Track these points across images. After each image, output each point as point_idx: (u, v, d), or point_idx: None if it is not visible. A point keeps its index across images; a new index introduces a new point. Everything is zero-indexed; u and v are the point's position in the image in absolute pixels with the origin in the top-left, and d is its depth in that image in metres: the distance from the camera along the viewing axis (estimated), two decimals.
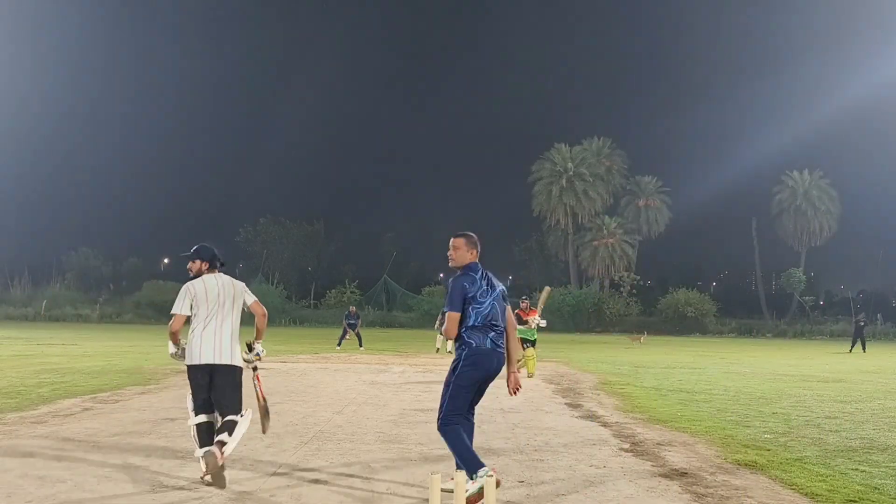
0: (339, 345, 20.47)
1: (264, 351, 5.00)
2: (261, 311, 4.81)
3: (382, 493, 4.32)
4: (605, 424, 7.10)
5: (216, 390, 4.63)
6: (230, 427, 4.54)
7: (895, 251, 62.98)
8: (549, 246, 59.32)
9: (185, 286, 4.74)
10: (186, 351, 4.67)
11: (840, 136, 65.03)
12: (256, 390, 4.97)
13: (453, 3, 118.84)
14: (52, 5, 75.23)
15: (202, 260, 4.83)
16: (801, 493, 4.49)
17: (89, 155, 80.00)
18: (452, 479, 3.42)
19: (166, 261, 73.22)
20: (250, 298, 4.85)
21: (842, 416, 7.94)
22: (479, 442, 6.03)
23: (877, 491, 4.55)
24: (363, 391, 9.57)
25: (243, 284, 4.93)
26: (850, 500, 4.32)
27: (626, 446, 5.94)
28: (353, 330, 20.86)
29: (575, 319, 46.16)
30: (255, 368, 4.94)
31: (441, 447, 5.75)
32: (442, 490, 3.10)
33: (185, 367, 4.70)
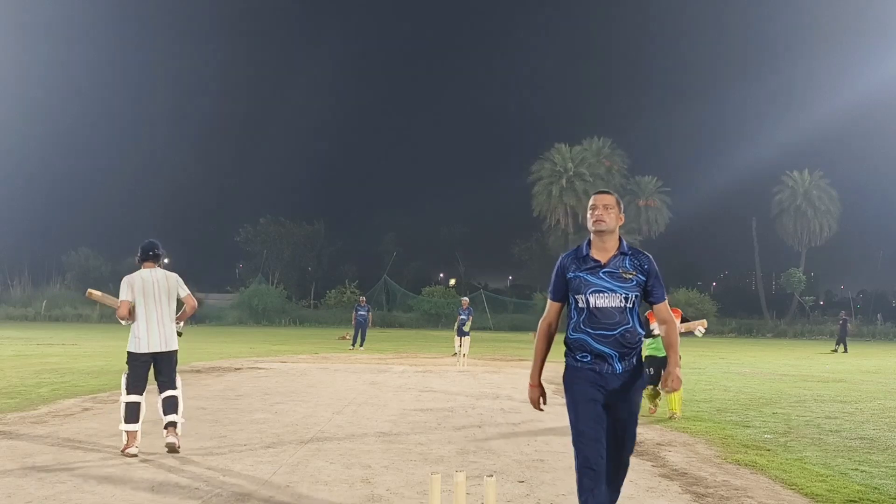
0: (353, 345, 20.16)
1: (182, 326, 5.72)
2: (192, 303, 5.62)
3: (382, 493, 4.32)
4: None
5: (161, 373, 5.50)
6: (174, 405, 5.47)
7: (895, 251, 63.00)
8: (549, 246, 59.24)
9: (124, 279, 5.53)
10: (131, 338, 5.44)
11: (840, 136, 65.01)
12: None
13: (453, 4, 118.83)
14: (53, 6, 75.24)
15: (140, 256, 5.61)
16: (801, 493, 4.49)
17: (89, 155, 80.00)
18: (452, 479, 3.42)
19: (166, 261, 73.20)
20: (184, 291, 5.60)
21: (842, 416, 7.94)
22: (479, 442, 6.04)
23: (877, 491, 4.55)
24: (363, 391, 9.57)
25: (177, 276, 5.62)
26: (850, 500, 4.32)
27: None
28: (364, 323, 20.45)
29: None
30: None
31: (441, 447, 5.76)
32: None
33: (127, 352, 5.47)
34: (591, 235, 3.21)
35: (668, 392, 3.32)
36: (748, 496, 4.41)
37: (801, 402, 9.24)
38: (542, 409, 3.39)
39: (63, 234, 65.43)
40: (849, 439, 6.48)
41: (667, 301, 3.32)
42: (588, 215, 3.21)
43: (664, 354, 7.71)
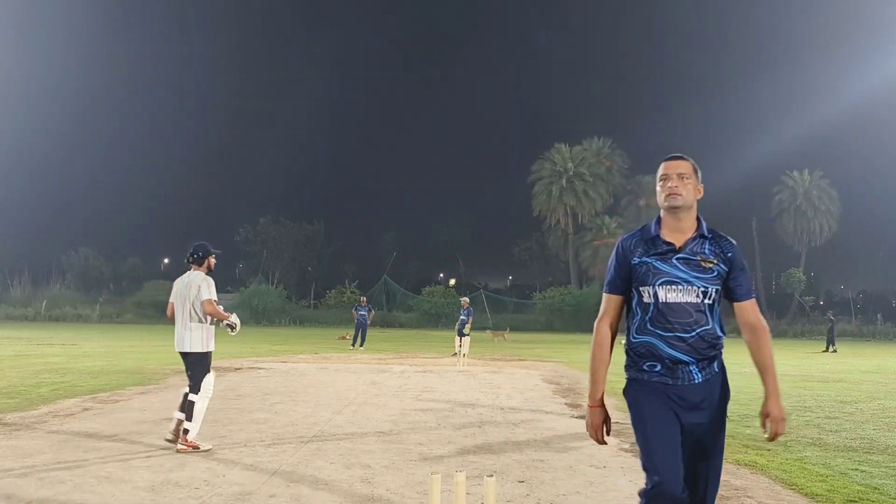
0: (353, 345, 20.17)
1: (233, 321, 5.91)
2: (205, 308, 5.65)
3: (382, 493, 4.32)
4: None
5: (187, 371, 5.75)
6: (189, 411, 5.49)
7: (895, 251, 62.98)
8: (549, 246, 59.30)
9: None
10: None
11: (840, 136, 65.04)
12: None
13: (453, 4, 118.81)
14: (53, 6, 75.23)
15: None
16: (801, 493, 4.49)
17: (90, 155, 79.99)
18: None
19: (166, 261, 73.25)
20: (202, 295, 5.66)
21: (842, 416, 7.94)
22: (479, 442, 6.04)
23: (877, 491, 4.55)
24: (363, 391, 9.57)
25: (202, 280, 5.72)
26: (850, 500, 4.32)
27: (626, 446, 5.94)
28: (365, 323, 20.45)
29: (575, 319, 46.10)
30: (231, 327, 5.96)
31: (441, 447, 5.76)
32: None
33: None
34: (662, 212, 2.58)
35: (769, 440, 2.62)
36: (748, 496, 4.41)
37: (801, 402, 9.24)
38: (605, 443, 2.64)
39: (63, 234, 65.41)
40: (849, 439, 6.48)
41: (755, 301, 2.63)
42: (658, 188, 2.58)
43: None
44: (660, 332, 2.47)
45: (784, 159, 56.20)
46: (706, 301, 2.47)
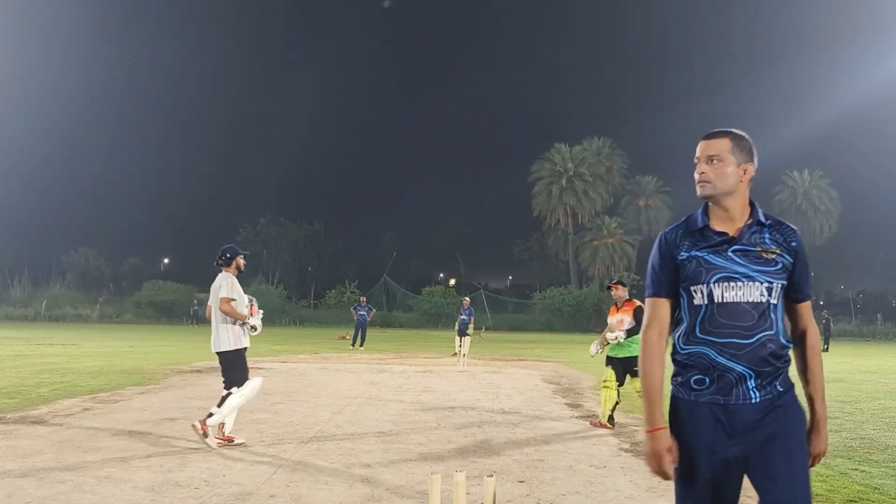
0: (353, 345, 20.16)
1: (254, 322, 6.00)
2: (223, 307, 5.79)
3: (382, 493, 4.32)
4: (605, 424, 7.10)
5: (223, 370, 5.86)
6: (222, 401, 5.64)
7: (895, 251, 63.00)
8: (549, 246, 59.31)
9: None
10: None
11: (840, 136, 65.05)
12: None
13: (453, 4, 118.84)
14: (54, 6, 75.26)
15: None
16: None
17: (89, 155, 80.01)
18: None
19: (166, 261, 73.29)
20: (221, 293, 5.82)
21: (842, 416, 7.94)
22: (478, 442, 6.04)
23: (877, 491, 4.56)
24: (363, 391, 9.57)
25: (224, 280, 5.88)
26: (850, 500, 4.32)
27: (626, 446, 5.94)
28: (364, 323, 20.46)
29: (575, 319, 46.13)
30: (253, 329, 6.02)
31: (441, 447, 5.76)
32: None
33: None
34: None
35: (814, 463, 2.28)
36: (748, 496, 4.40)
37: (800, 402, 9.24)
38: (671, 476, 2.11)
39: (63, 234, 65.42)
40: (849, 439, 6.49)
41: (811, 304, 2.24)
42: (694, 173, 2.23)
43: (630, 355, 6.87)
44: (712, 338, 2.07)
45: (784, 159, 56.19)
46: (770, 300, 2.08)
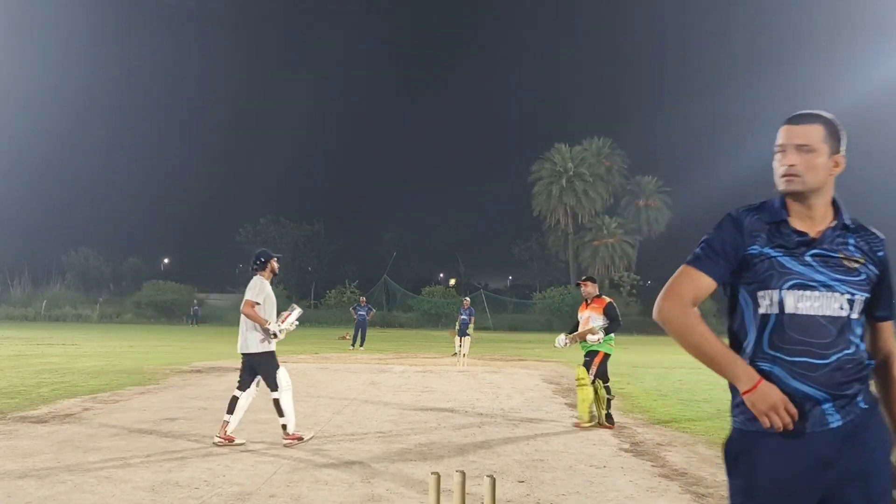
0: (353, 345, 20.14)
1: (274, 329, 5.95)
2: (244, 308, 5.91)
3: (382, 493, 4.32)
4: (605, 425, 7.10)
5: (247, 371, 5.96)
6: (278, 408, 5.77)
7: (895, 251, 62.95)
8: (549, 246, 59.30)
9: None
10: None
11: None
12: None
13: (453, 4, 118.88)
14: (53, 6, 75.27)
15: None
16: None
17: (89, 155, 80.00)
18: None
19: (166, 261, 73.30)
20: (245, 296, 5.98)
21: None
22: (479, 442, 6.04)
23: None
24: (363, 391, 9.57)
25: (252, 284, 6.05)
26: None
27: (626, 446, 5.94)
28: (364, 323, 20.43)
29: (575, 319, 46.12)
30: (274, 335, 5.99)
31: (441, 447, 5.76)
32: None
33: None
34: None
35: None
36: None
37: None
38: (793, 417, 1.71)
39: (63, 234, 65.39)
40: None
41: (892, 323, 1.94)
42: (774, 161, 1.90)
43: (596, 348, 6.94)
44: (783, 356, 1.75)
45: None
46: (851, 314, 1.78)
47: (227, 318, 46.05)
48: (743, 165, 59.97)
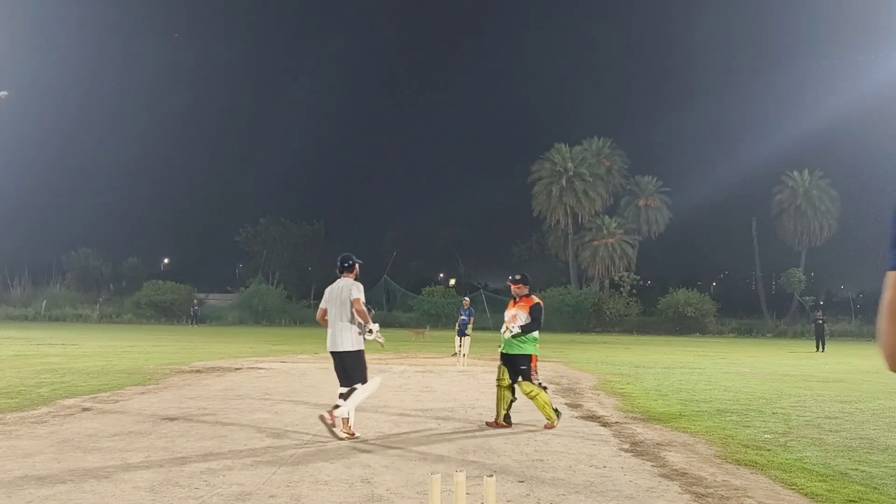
0: None
1: (372, 328, 6.29)
2: (356, 307, 6.18)
3: (382, 493, 4.32)
4: (605, 424, 7.10)
5: (343, 369, 6.22)
6: (348, 394, 6.09)
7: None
8: (549, 246, 59.29)
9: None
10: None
11: (840, 136, 64.93)
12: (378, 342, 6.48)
13: (453, 4, 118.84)
14: (53, 6, 75.24)
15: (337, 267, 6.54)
16: (801, 493, 4.49)
17: (89, 155, 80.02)
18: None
19: (166, 261, 73.29)
20: (352, 295, 6.21)
21: (842, 416, 7.94)
22: (479, 442, 6.04)
23: (877, 491, 4.55)
24: None
25: (354, 285, 6.31)
26: (850, 500, 4.32)
27: (626, 446, 5.94)
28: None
29: (575, 319, 46.14)
30: (370, 332, 6.31)
31: (441, 447, 5.76)
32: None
33: None
34: None
35: None
36: (748, 496, 4.41)
37: (801, 402, 9.24)
38: None
39: (63, 234, 65.42)
40: (849, 439, 6.48)
41: None
42: None
43: (519, 352, 6.78)
44: None
45: (784, 159, 56.19)
46: None
47: (227, 318, 46.12)
48: (743, 165, 60.03)
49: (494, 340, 27.68)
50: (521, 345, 6.80)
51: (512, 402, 6.87)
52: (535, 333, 6.91)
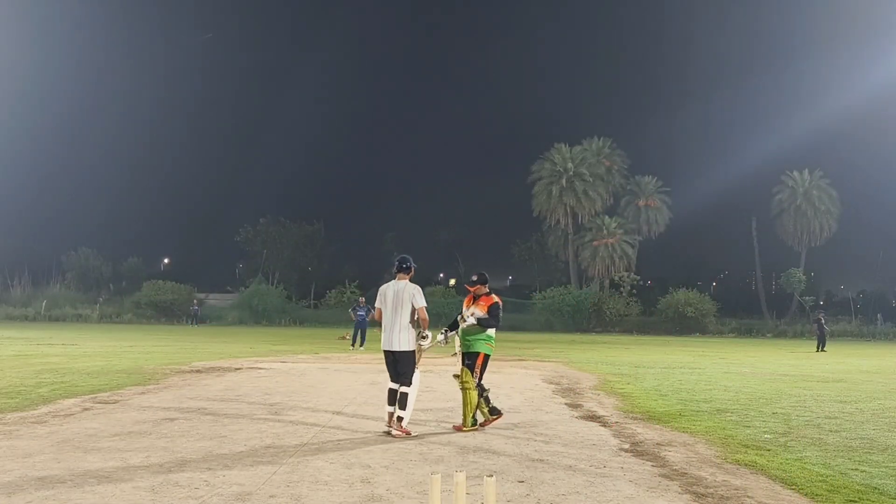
0: (353, 345, 20.11)
1: (427, 334, 6.54)
2: (421, 315, 6.42)
3: (382, 493, 4.32)
4: (605, 424, 7.10)
5: (396, 368, 6.45)
6: (403, 401, 6.27)
7: (895, 251, 62.97)
8: (549, 246, 59.29)
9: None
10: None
11: (840, 136, 64.94)
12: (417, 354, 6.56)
13: (454, 4, 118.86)
14: (53, 5, 75.24)
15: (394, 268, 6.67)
16: (801, 493, 4.49)
17: (89, 155, 80.00)
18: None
19: (166, 261, 73.29)
20: (416, 303, 6.40)
21: (842, 416, 7.94)
22: (479, 442, 6.05)
23: (877, 491, 4.55)
24: (363, 391, 9.57)
25: (415, 288, 6.48)
26: (850, 501, 4.32)
27: (626, 446, 5.94)
28: (364, 323, 20.30)
29: (575, 319, 46.13)
30: (425, 337, 6.52)
31: (441, 447, 5.77)
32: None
33: None
34: None
35: None
36: (748, 496, 4.41)
37: (801, 402, 9.24)
38: None
39: (63, 234, 65.43)
40: (849, 439, 6.48)
41: None
42: None
43: (475, 350, 6.81)
44: None
45: (784, 159, 56.19)
46: None
47: (227, 318, 46.10)
48: (743, 165, 60.01)
49: (496, 340, 27.57)
50: (475, 343, 6.82)
51: (486, 395, 6.84)
52: (492, 332, 6.95)
